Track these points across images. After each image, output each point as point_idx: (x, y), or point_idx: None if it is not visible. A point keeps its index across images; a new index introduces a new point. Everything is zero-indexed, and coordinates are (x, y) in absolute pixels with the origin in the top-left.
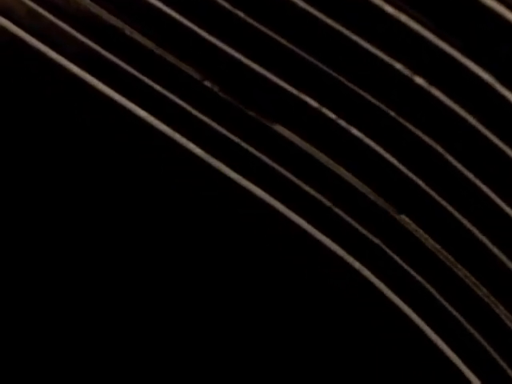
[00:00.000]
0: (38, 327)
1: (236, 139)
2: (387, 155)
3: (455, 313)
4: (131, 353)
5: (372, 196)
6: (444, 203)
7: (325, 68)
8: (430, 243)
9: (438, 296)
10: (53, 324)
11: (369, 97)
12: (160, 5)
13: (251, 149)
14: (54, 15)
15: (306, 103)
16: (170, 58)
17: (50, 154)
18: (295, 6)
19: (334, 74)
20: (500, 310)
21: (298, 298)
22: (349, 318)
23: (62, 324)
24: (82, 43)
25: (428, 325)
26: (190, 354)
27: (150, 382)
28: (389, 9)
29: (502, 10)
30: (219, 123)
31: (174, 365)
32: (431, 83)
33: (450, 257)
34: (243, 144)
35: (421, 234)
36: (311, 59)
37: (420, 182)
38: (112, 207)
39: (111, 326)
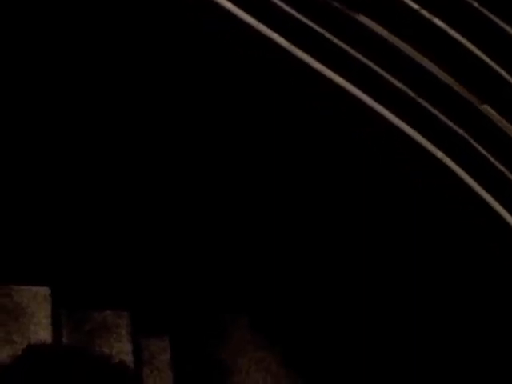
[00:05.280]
0: None
1: (320, 30)
2: (470, 45)
3: None
4: None
5: (455, 86)
6: None
7: None
8: None
9: None
10: None
11: None
12: None
13: (336, 39)
14: None
15: None
16: None
17: None
18: None
19: None
20: None
21: (383, 186)
22: (430, 205)
23: None
24: None
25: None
26: None
27: None
28: None
29: None
30: (303, 14)
31: None
32: None
33: None
34: (327, 34)
35: (504, 124)
36: None
37: (503, 73)
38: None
39: None
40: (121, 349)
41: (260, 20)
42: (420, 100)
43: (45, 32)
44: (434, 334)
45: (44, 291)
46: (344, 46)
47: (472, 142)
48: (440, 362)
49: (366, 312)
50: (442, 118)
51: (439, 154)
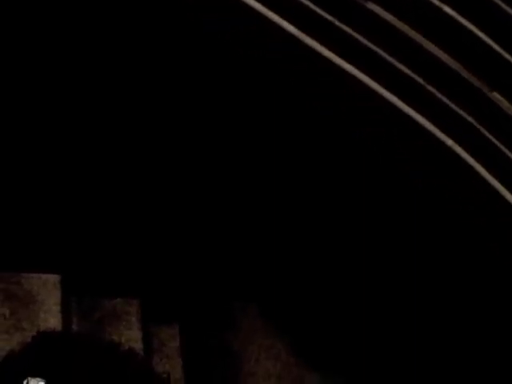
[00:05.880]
0: None
1: (329, 17)
2: (480, 33)
3: None
4: None
5: (465, 74)
6: None
7: None
8: None
9: None
10: None
11: None
12: None
13: (345, 27)
14: None
15: None
16: None
17: None
18: None
19: None
20: None
21: (391, 173)
22: (440, 193)
23: None
24: None
25: None
26: None
27: None
28: None
29: None
30: (313, 1)
31: None
32: None
33: None
34: (337, 22)
35: None
36: None
37: None
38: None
39: None
40: (130, 336)
41: (270, 8)
42: (429, 87)
43: (45, 32)
44: (437, 314)
45: (54, 279)
46: (353, 33)
47: (481, 129)
48: (440, 350)
49: (374, 300)
50: (452, 105)
51: (449, 142)
